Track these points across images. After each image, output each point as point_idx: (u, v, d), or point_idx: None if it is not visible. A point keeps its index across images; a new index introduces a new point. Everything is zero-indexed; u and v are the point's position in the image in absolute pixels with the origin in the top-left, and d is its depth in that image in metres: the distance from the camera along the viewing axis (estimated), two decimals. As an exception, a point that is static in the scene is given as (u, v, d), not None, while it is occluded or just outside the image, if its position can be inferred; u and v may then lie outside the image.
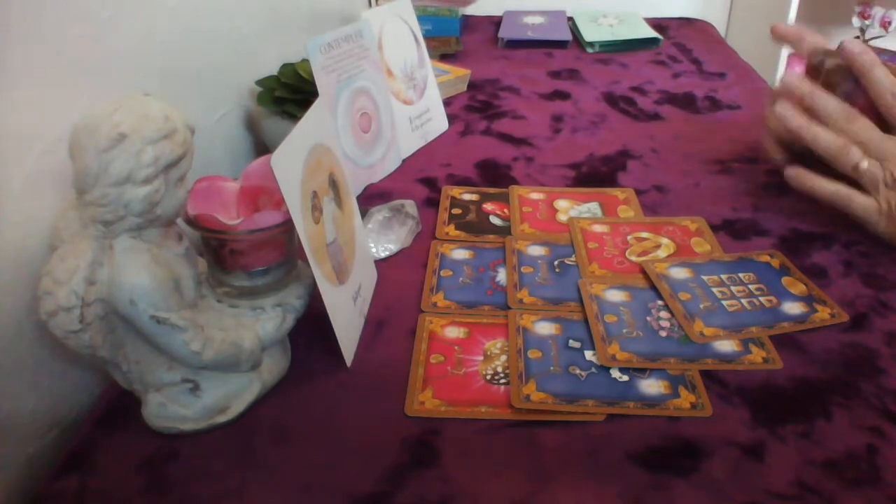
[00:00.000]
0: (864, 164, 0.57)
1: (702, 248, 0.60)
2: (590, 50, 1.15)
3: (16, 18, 0.43)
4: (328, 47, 0.66)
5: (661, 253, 0.60)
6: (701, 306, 0.52)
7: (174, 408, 0.43)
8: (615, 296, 0.54)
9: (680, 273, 0.56)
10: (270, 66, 0.78)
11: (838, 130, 0.59)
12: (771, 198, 0.69)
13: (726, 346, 0.49)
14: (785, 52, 1.39)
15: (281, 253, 0.46)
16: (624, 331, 0.50)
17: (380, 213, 0.63)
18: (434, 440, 0.43)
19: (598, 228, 0.63)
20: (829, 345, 0.50)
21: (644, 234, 0.62)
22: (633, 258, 0.59)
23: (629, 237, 0.62)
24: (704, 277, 0.56)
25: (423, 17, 0.97)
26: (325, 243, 0.46)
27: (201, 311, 0.43)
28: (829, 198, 0.61)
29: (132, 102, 0.36)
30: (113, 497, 0.40)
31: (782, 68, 1.47)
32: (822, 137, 0.59)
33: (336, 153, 0.51)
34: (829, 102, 0.60)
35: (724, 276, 0.56)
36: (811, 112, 0.60)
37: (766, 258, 0.59)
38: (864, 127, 0.58)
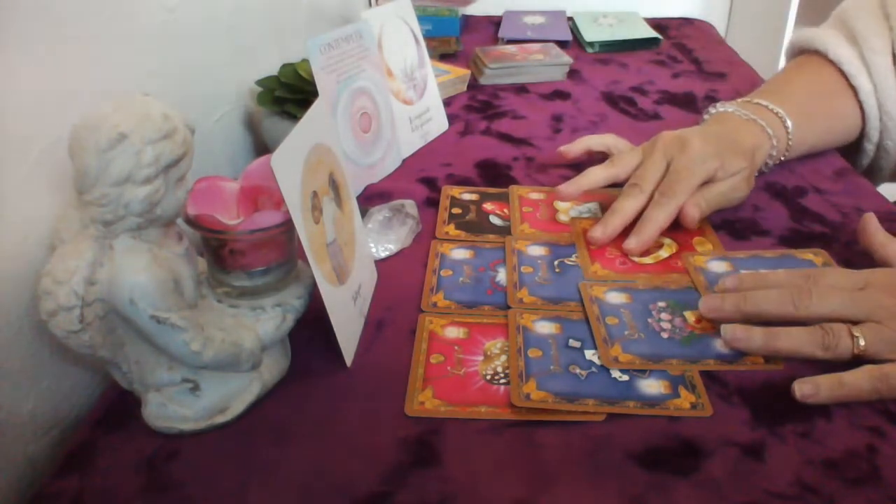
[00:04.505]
0: (861, 342, 0.46)
1: (704, 248, 0.60)
2: (590, 50, 1.15)
3: (16, 18, 0.43)
4: (328, 47, 0.66)
5: (664, 253, 0.60)
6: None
7: (174, 408, 0.43)
8: (616, 298, 0.54)
9: (719, 267, 0.57)
10: (270, 66, 0.78)
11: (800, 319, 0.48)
12: (771, 198, 0.69)
13: (727, 347, 0.49)
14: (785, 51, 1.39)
15: (281, 253, 0.46)
16: (625, 332, 0.50)
17: (380, 213, 0.63)
18: (434, 440, 0.43)
19: None
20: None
21: None
22: (636, 258, 0.59)
23: (630, 237, 0.62)
24: (743, 272, 0.55)
25: (423, 17, 0.97)
26: (325, 243, 0.46)
27: (201, 311, 0.43)
28: (868, 392, 0.45)
29: (132, 102, 0.36)
30: (113, 497, 0.40)
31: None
32: (794, 341, 0.47)
33: (336, 153, 0.51)
34: (763, 295, 0.49)
35: (763, 272, 0.55)
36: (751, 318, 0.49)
37: (809, 256, 0.59)
38: (820, 299, 0.47)
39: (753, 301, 0.49)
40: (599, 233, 0.59)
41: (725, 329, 0.49)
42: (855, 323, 0.47)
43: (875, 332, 0.46)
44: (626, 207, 0.60)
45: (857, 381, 0.45)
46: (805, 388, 0.45)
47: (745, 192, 0.65)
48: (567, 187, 0.64)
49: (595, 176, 0.64)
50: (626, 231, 0.60)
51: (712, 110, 0.71)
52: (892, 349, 0.45)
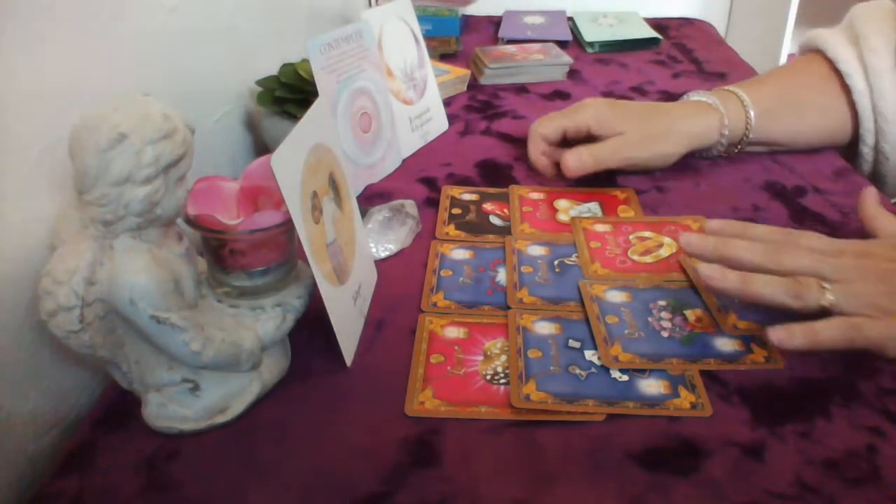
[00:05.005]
0: (829, 296, 0.47)
1: (702, 248, 0.60)
2: (590, 50, 1.15)
3: (16, 18, 0.43)
4: (328, 47, 0.66)
5: (664, 252, 0.60)
6: (737, 301, 0.52)
7: (174, 408, 0.43)
8: (616, 297, 0.54)
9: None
10: (270, 66, 0.78)
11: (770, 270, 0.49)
12: (771, 197, 0.69)
13: (728, 345, 0.49)
14: (785, 52, 1.39)
15: (281, 253, 0.46)
16: (626, 332, 0.50)
17: (380, 213, 0.63)
18: (434, 440, 0.43)
19: (600, 228, 0.63)
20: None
21: (646, 234, 0.62)
22: (636, 258, 0.59)
23: (631, 236, 0.62)
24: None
25: (423, 17, 0.97)
26: (325, 243, 0.46)
27: (201, 311, 0.43)
28: (839, 340, 0.46)
29: (132, 102, 0.37)
30: (113, 497, 0.40)
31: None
32: (766, 286, 0.48)
33: (336, 153, 0.51)
34: (743, 244, 0.51)
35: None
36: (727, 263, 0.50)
37: None
38: (795, 255, 0.49)
39: (733, 247, 0.50)
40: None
41: (703, 267, 0.49)
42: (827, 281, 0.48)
43: (843, 287, 0.47)
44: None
45: (830, 329, 0.46)
46: (780, 333, 0.46)
47: (632, 155, 0.69)
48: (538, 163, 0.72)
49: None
50: (626, 232, 0.60)
51: (685, 98, 0.74)
52: (859, 305, 0.47)
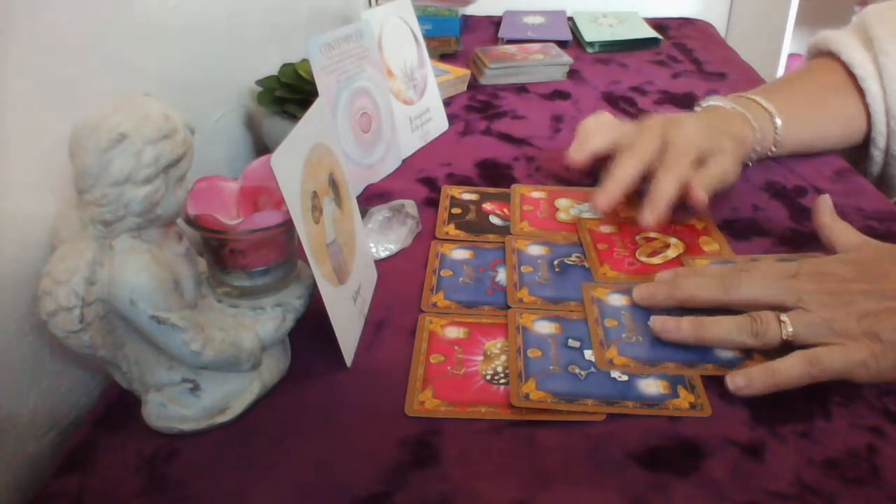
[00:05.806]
0: (789, 327, 0.46)
1: (710, 248, 0.60)
2: (590, 50, 1.15)
3: (15, 18, 0.43)
4: (328, 47, 0.66)
5: (671, 253, 0.60)
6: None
7: (174, 408, 0.43)
8: (618, 300, 0.54)
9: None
10: (270, 66, 0.78)
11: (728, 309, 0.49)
12: (771, 197, 0.69)
13: (727, 351, 0.49)
14: (785, 52, 1.39)
15: (281, 253, 0.46)
16: (623, 335, 0.50)
17: (380, 213, 0.63)
18: (434, 440, 0.43)
19: (605, 229, 0.63)
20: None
21: (652, 234, 0.62)
22: (644, 259, 0.59)
23: (637, 238, 0.62)
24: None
25: (423, 17, 0.97)
26: (325, 243, 0.46)
27: (201, 311, 0.43)
28: (800, 376, 0.45)
29: (132, 102, 0.37)
30: (113, 497, 0.40)
31: (782, 68, 1.47)
32: (722, 329, 0.47)
33: (336, 153, 0.51)
34: (694, 282, 0.50)
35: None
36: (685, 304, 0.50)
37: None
38: (749, 284, 0.48)
39: (684, 287, 0.50)
40: (601, 200, 0.59)
41: (655, 320, 0.49)
42: (784, 310, 0.47)
43: (802, 317, 0.46)
44: (625, 174, 0.60)
45: (789, 367, 0.45)
46: (738, 380, 0.45)
47: (735, 176, 0.65)
48: (606, 197, 0.59)
49: (627, 176, 0.60)
50: (632, 233, 0.60)
51: (703, 103, 0.72)
52: (820, 334, 0.45)
